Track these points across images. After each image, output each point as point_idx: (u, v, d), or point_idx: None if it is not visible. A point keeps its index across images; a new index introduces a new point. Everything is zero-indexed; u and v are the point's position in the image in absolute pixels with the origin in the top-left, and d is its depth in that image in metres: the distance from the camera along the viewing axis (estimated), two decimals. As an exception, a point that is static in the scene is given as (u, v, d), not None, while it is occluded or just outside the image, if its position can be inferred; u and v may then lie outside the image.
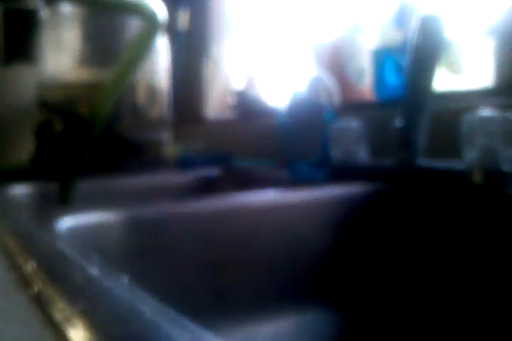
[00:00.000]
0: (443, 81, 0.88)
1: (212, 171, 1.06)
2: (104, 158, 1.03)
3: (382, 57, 0.93)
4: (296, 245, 0.64)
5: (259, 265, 0.61)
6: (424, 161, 0.68)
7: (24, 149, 1.10)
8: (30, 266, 0.30)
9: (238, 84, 1.47)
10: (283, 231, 0.64)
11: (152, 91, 1.12)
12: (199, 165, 1.09)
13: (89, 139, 0.69)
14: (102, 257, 0.48)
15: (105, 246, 0.49)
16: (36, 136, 1.09)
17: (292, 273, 0.63)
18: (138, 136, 1.09)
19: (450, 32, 0.88)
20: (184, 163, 1.11)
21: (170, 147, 1.14)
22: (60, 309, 0.22)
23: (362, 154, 0.82)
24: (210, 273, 0.56)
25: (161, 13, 0.75)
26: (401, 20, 0.89)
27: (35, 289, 0.26)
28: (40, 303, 0.24)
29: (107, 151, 1.03)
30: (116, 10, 0.87)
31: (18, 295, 0.26)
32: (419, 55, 0.57)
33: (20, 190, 0.87)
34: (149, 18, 0.72)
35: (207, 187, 1.02)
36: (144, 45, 0.69)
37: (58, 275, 0.27)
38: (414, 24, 0.58)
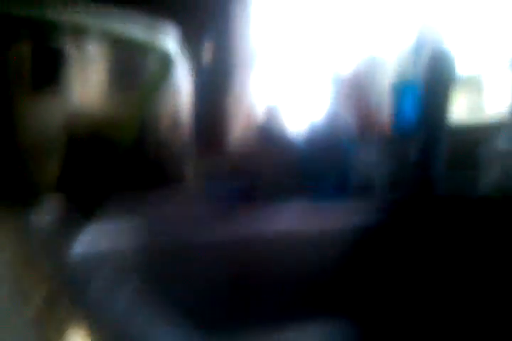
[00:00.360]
0: (464, 113, 0.88)
1: (235, 201, 1.06)
2: (127, 189, 1.04)
3: (401, 89, 0.94)
4: (316, 273, 0.64)
5: (278, 290, 0.61)
6: (442, 191, 0.68)
7: (52, 178, 1.12)
8: (38, 290, 0.30)
9: (261, 116, 1.49)
10: (304, 257, 0.64)
11: (174, 126, 1.14)
12: (222, 196, 1.10)
13: (112, 170, 0.70)
14: (118, 281, 0.49)
15: (120, 271, 0.50)
16: (63, 165, 1.12)
17: (309, 296, 0.62)
18: (160, 169, 1.10)
19: (471, 65, 0.88)
20: (207, 194, 1.11)
21: (192, 179, 1.15)
22: (56, 330, 0.22)
23: (381, 185, 0.82)
24: (232, 293, 0.56)
25: (175, 52, 0.75)
26: (419, 52, 0.90)
27: (38, 309, 0.27)
28: (40, 324, 0.25)
29: (130, 183, 1.05)
30: (128, 47, 0.88)
31: (22, 315, 0.27)
32: (430, 89, 0.57)
33: (46, 216, 0.89)
34: (162, 57, 0.72)
35: (230, 217, 1.02)
36: (156, 83, 0.70)
37: (63, 298, 0.28)
38: (424, 58, 0.58)
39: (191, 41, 1.37)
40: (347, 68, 1.09)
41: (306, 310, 0.62)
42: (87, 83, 1.20)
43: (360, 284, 0.66)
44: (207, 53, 1.56)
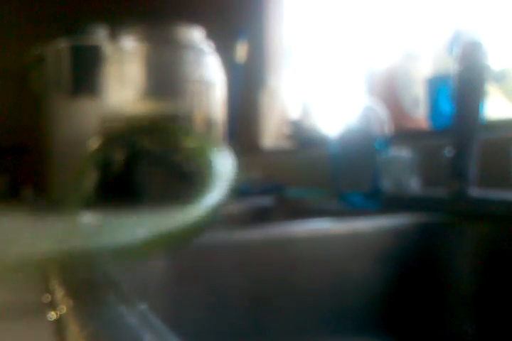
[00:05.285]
0: (499, 109, 0.86)
1: (266, 201, 1.07)
2: (160, 188, 1.05)
3: (437, 85, 0.92)
4: (343, 277, 0.63)
5: (304, 296, 0.60)
6: (476, 191, 0.66)
7: (87, 180, 1.14)
8: (59, 291, 0.31)
9: (294, 114, 1.48)
10: (330, 261, 0.63)
11: (208, 123, 1.15)
12: (253, 195, 1.10)
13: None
14: (142, 285, 0.49)
15: (146, 273, 0.50)
16: (98, 168, 1.14)
17: (336, 306, 0.61)
18: (193, 167, 1.11)
19: (507, 59, 0.86)
20: (238, 192, 1.12)
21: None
22: (71, 332, 0.23)
23: (413, 184, 0.80)
24: (251, 303, 0.56)
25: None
26: (455, 47, 0.88)
27: (58, 313, 0.27)
28: (58, 327, 0.25)
29: (163, 181, 1.06)
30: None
31: (42, 317, 0.27)
32: (463, 83, 0.56)
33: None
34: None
35: (260, 217, 1.03)
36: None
37: (81, 301, 0.28)
38: (457, 52, 0.57)
39: (225, 39, 1.37)
40: (382, 63, 1.07)
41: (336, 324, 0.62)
42: (125, 83, 1.22)
43: (390, 296, 0.65)
44: (241, 51, 1.56)
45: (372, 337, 0.63)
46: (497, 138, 0.70)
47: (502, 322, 0.60)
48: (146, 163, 1.05)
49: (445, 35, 0.90)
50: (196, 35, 1.21)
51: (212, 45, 1.25)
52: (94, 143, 0.97)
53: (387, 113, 0.86)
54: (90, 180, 0.70)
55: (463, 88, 0.57)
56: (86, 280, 0.35)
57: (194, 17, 1.41)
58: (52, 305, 0.29)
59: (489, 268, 0.62)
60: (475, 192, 0.66)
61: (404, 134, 0.95)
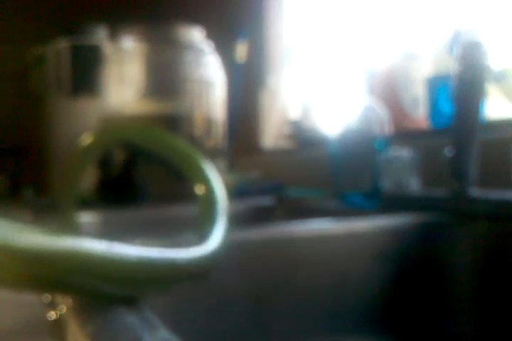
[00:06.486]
0: (499, 109, 0.86)
1: (266, 200, 1.07)
2: (158, 186, 1.05)
3: (437, 85, 0.92)
4: (343, 277, 0.63)
5: (304, 296, 0.60)
6: (476, 191, 0.66)
7: (87, 179, 1.14)
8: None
9: (294, 114, 1.48)
10: (330, 261, 0.63)
11: (208, 123, 1.15)
12: (253, 195, 1.10)
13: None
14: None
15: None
16: (99, 167, 1.14)
17: (337, 306, 0.61)
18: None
19: (507, 59, 0.86)
20: (238, 192, 1.12)
21: (225, 176, 1.16)
22: (71, 332, 0.23)
23: (413, 184, 0.80)
24: (251, 303, 0.56)
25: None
26: (455, 47, 0.88)
27: (58, 313, 0.27)
28: (58, 327, 0.25)
29: (162, 180, 1.06)
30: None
31: (43, 317, 0.27)
32: (463, 83, 0.56)
33: (83, 219, 0.90)
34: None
35: (260, 217, 1.03)
36: None
37: (81, 301, 0.28)
38: (457, 52, 0.57)
39: (225, 39, 1.37)
40: (382, 63, 1.07)
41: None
42: (125, 83, 1.22)
43: (390, 296, 0.65)
44: (241, 51, 1.56)
45: (373, 336, 0.63)
46: (497, 138, 0.70)
47: (502, 321, 0.60)
48: (143, 161, 1.05)
49: (445, 35, 0.90)
50: (196, 35, 1.21)
51: (212, 45, 1.25)
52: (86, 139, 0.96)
53: (387, 113, 0.86)
54: (83, 177, 0.68)
55: (463, 88, 0.57)
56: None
57: (194, 17, 1.41)
58: (52, 305, 0.29)
59: (489, 268, 0.62)
60: (475, 192, 0.66)
61: (404, 134, 0.95)
